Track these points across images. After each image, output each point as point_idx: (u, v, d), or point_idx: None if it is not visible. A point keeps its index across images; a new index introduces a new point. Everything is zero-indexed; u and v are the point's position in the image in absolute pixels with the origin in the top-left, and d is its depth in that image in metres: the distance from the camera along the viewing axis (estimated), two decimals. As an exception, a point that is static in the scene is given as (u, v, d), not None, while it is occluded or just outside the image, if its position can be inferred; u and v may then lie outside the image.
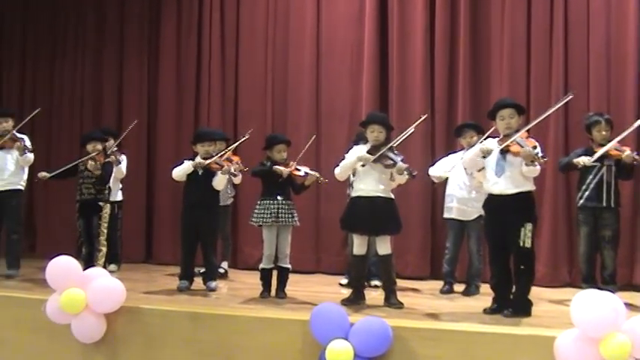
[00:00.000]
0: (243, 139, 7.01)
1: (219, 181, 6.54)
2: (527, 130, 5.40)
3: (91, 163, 7.10)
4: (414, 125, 5.93)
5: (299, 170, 6.21)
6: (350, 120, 8.39)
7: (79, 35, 10.31)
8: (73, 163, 7.23)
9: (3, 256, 7.35)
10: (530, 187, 5.29)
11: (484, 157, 5.36)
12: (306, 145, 6.51)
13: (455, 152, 7.04)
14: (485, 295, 5.92)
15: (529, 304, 5.27)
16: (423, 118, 6.06)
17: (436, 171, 6.96)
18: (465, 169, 6.16)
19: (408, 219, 6.99)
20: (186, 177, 6.55)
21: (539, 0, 7.71)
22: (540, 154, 5.15)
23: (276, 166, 6.17)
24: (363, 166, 5.71)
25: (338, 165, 5.94)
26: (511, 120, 5.36)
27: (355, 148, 6.01)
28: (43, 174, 7.18)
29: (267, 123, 8.85)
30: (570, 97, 5.58)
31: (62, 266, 5.28)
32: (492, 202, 5.37)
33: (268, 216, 6.13)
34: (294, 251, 6.53)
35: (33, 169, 7.62)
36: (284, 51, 8.94)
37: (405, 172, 5.60)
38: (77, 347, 5.29)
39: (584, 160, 6.07)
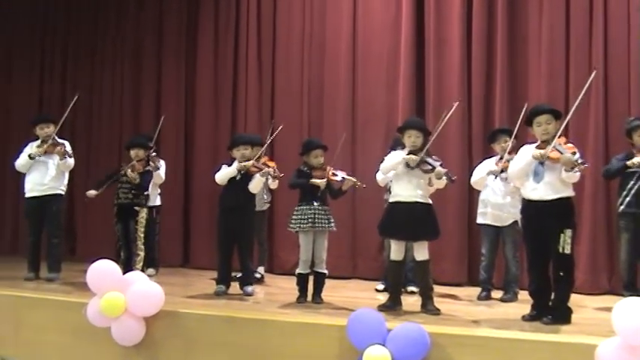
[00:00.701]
0: (276, 131, 7.04)
1: (256, 184, 6.57)
2: (566, 136, 5.34)
3: (130, 172, 7.18)
4: (449, 114, 5.88)
5: (336, 175, 6.22)
6: (386, 125, 8.38)
7: (118, 41, 10.46)
8: (112, 173, 7.34)
9: (44, 259, 7.45)
10: (569, 192, 5.23)
11: (541, 163, 5.26)
12: (339, 145, 6.50)
13: (489, 158, 6.95)
14: (524, 302, 5.85)
15: (569, 311, 5.21)
16: (455, 105, 6.01)
17: (474, 178, 6.88)
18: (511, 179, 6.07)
19: (445, 225, 6.94)
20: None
21: (577, -1, 7.63)
22: (580, 160, 5.08)
23: (313, 180, 6.19)
24: (408, 166, 5.68)
25: (377, 170, 5.93)
26: (548, 126, 5.30)
27: (393, 153, 6.00)
28: (91, 192, 7.29)
29: (303, 128, 8.87)
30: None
31: (102, 270, 5.34)
32: (531, 208, 5.31)
33: (305, 221, 6.14)
34: (331, 257, 6.53)
35: (73, 174, 7.77)
36: (320, 57, 8.97)
37: (444, 177, 5.58)
38: (117, 350, 5.34)
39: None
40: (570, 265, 5.20)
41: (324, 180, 6.16)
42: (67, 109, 7.60)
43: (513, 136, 6.48)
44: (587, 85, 5.28)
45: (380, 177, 6.06)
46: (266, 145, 6.97)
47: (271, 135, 7.15)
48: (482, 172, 6.76)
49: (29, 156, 7.37)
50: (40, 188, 7.35)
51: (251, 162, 6.53)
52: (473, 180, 6.87)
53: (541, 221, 5.19)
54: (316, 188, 6.17)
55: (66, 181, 7.55)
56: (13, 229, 10.84)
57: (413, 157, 5.68)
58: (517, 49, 7.92)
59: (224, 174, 6.58)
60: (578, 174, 5.11)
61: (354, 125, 8.65)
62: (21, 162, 7.47)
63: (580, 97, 5.28)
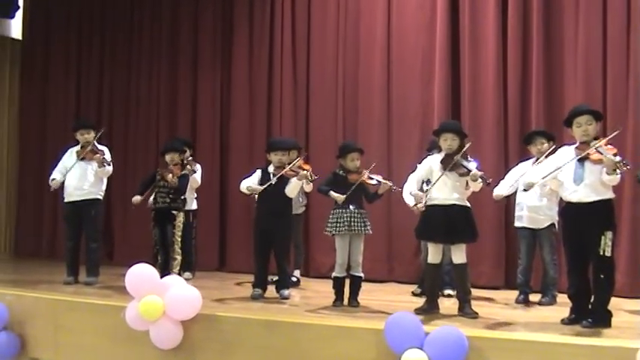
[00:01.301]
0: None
1: (293, 188, 6.59)
2: (604, 137, 5.27)
3: (169, 177, 7.24)
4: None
5: (372, 179, 6.21)
6: (421, 127, 8.35)
7: (154, 46, 10.57)
8: (150, 177, 7.43)
9: (83, 263, 7.54)
10: (609, 194, 5.15)
11: (581, 164, 5.16)
12: (372, 166, 6.46)
13: (525, 160, 6.87)
14: (562, 305, 5.79)
15: (609, 314, 5.13)
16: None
17: (508, 182, 6.79)
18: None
19: (482, 227, 6.84)
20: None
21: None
22: (624, 161, 4.99)
23: (332, 193, 6.20)
24: (444, 168, 5.67)
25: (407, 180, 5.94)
26: (588, 127, 5.23)
27: (429, 158, 5.99)
28: (137, 198, 7.37)
29: (338, 131, 8.88)
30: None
31: (141, 274, 5.39)
32: (571, 210, 5.25)
33: (341, 225, 6.13)
34: (367, 260, 6.52)
35: (111, 179, 7.87)
36: (355, 58, 8.96)
37: (480, 180, 5.55)
38: (155, 353, 5.37)
39: None
40: (611, 268, 5.13)
41: (343, 196, 6.14)
42: (94, 139, 7.63)
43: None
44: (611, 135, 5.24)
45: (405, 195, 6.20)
46: (300, 158, 6.96)
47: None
48: (512, 179, 6.69)
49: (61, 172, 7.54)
50: (79, 193, 7.45)
51: (285, 169, 6.54)
52: (497, 191, 6.73)
53: (581, 223, 5.12)
54: (351, 191, 6.16)
55: (104, 186, 7.64)
56: (51, 234, 11.01)
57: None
58: (553, 49, 7.82)
59: (244, 186, 6.65)
60: (619, 176, 5.03)
61: (389, 126, 8.63)
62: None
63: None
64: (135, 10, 10.82)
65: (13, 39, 11.75)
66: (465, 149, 5.69)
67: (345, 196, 6.14)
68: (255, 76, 9.66)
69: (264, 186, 6.52)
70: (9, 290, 6.37)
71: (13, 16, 11.59)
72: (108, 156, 7.52)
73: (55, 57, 11.41)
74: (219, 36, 10.01)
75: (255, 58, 9.69)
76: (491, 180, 5.69)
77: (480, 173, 5.55)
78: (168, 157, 7.43)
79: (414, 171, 6.29)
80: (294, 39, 9.40)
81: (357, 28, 8.97)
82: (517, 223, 6.77)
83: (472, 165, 5.64)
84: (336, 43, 9.09)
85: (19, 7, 11.60)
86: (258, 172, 6.70)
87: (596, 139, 5.21)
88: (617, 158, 4.98)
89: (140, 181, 7.82)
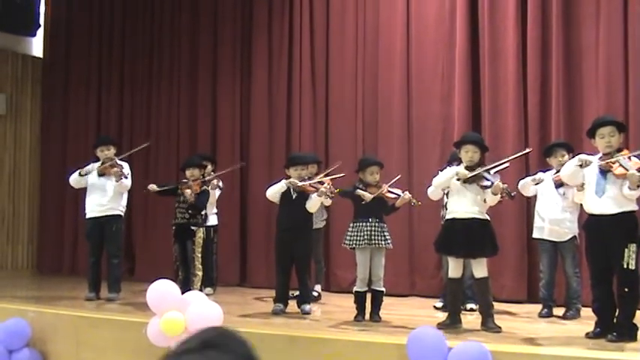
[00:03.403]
0: (336, 174, 7.00)
1: (314, 204, 6.59)
2: (627, 148, 5.23)
3: (187, 191, 7.26)
4: (516, 156, 5.84)
5: (392, 193, 6.19)
6: (442, 140, 8.32)
7: (174, 61, 10.60)
8: (173, 186, 7.52)
9: (104, 279, 7.56)
10: (633, 206, 5.11)
11: (580, 166, 5.18)
12: (393, 180, 6.45)
13: (544, 171, 6.84)
14: (587, 319, 5.73)
15: (634, 328, 5.07)
16: (527, 151, 5.96)
17: (523, 184, 6.76)
18: (566, 183, 5.97)
19: (503, 240, 6.83)
20: (279, 200, 6.62)
21: (635, 6, 7.42)
22: None
23: (359, 190, 6.17)
24: (459, 180, 5.63)
25: (431, 185, 5.90)
26: (612, 138, 5.18)
27: (449, 169, 5.96)
28: (152, 186, 7.40)
29: (357, 145, 8.87)
30: None
31: (162, 290, 5.39)
32: (593, 223, 5.21)
33: (361, 238, 6.12)
34: (388, 274, 6.49)
35: (131, 195, 7.90)
36: (374, 72, 8.95)
37: (504, 193, 5.51)
38: (177, 370, 5.37)
39: None
40: (635, 281, 5.08)
41: (371, 195, 6.12)
42: (133, 150, 7.77)
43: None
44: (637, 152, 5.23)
45: (430, 190, 6.02)
46: (324, 174, 6.96)
47: (330, 171, 7.13)
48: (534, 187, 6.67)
49: (79, 173, 7.56)
50: (100, 209, 7.47)
51: (306, 182, 6.54)
52: (520, 185, 6.73)
53: (604, 236, 5.08)
54: (370, 204, 6.13)
55: (125, 202, 7.66)
56: (72, 250, 11.04)
57: (463, 171, 5.62)
58: (573, 61, 7.77)
59: (274, 189, 6.63)
60: (640, 191, 4.99)
61: (410, 140, 8.60)
62: (73, 177, 7.67)
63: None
64: (155, 25, 10.88)
65: (34, 57, 11.88)
66: (490, 166, 5.66)
67: (373, 195, 6.11)
68: (275, 89, 9.68)
69: (300, 183, 6.52)
70: (31, 307, 6.42)
71: (34, 35, 11.74)
72: (127, 170, 7.54)
73: (75, 74, 11.50)
74: (238, 49, 10.04)
75: (275, 71, 9.72)
76: (515, 193, 5.64)
77: (503, 186, 5.52)
78: (188, 173, 7.47)
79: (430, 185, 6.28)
80: (312, 53, 9.42)
81: (376, 42, 8.96)
82: (536, 234, 6.72)
83: (496, 178, 5.60)
84: (355, 57, 9.08)
85: (40, 26, 11.74)
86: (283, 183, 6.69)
87: (619, 150, 5.16)
88: (640, 173, 4.94)
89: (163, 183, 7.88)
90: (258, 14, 9.94)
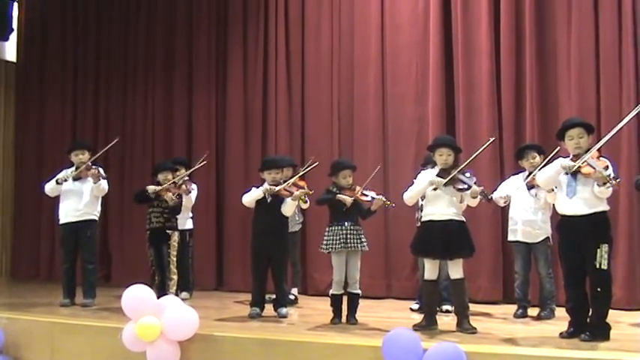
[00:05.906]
0: (311, 166, 7.00)
1: (289, 208, 6.58)
2: (599, 150, 5.29)
3: (169, 195, 7.24)
4: (482, 149, 5.87)
5: (366, 195, 6.21)
6: (416, 142, 8.35)
7: (149, 68, 10.56)
8: (158, 189, 7.36)
9: (79, 285, 7.50)
10: (604, 207, 5.16)
11: (566, 173, 5.22)
12: (372, 174, 6.51)
13: (516, 174, 6.89)
14: (561, 319, 5.78)
15: (607, 327, 5.12)
16: (490, 140, 5.97)
17: (499, 193, 6.77)
18: (539, 186, 6.02)
19: (479, 242, 6.85)
20: (255, 204, 6.61)
21: (606, 9, 7.51)
22: (612, 175, 5.01)
23: (340, 195, 6.19)
24: (435, 189, 5.66)
25: (407, 189, 5.91)
26: (580, 139, 5.24)
27: (424, 172, 5.99)
28: (151, 187, 7.34)
29: (333, 148, 8.89)
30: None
31: (137, 295, 5.38)
32: (566, 224, 5.26)
33: (337, 242, 6.13)
34: (364, 277, 6.51)
35: (107, 200, 7.85)
36: (349, 76, 8.98)
37: (480, 196, 5.55)
38: (153, 375, 5.36)
39: None
40: (607, 281, 5.14)
41: (351, 199, 6.14)
42: (105, 148, 7.77)
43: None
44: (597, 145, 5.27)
45: (406, 197, 6.04)
46: (298, 175, 6.96)
47: (305, 169, 7.12)
48: (508, 189, 6.69)
49: (56, 181, 7.47)
50: (75, 214, 7.40)
51: (281, 186, 6.54)
52: (496, 195, 6.74)
53: (576, 237, 5.13)
54: (346, 208, 6.16)
55: (99, 207, 7.60)
56: (48, 256, 10.94)
57: (438, 179, 5.65)
58: (546, 63, 7.86)
59: (250, 197, 6.61)
60: (610, 189, 5.04)
61: (385, 142, 8.63)
62: (49, 186, 7.57)
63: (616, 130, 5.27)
64: (130, 33, 10.82)
65: (7, 61, 11.77)
66: (462, 166, 5.69)
67: (352, 198, 6.13)
68: (250, 92, 9.67)
69: (276, 188, 6.50)
70: (5, 313, 6.35)
71: (7, 39, 11.61)
72: (103, 172, 7.48)
73: (50, 79, 11.41)
74: (213, 53, 10.02)
75: (250, 74, 9.70)
76: (492, 196, 5.68)
77: (480, 189, 5.56)
78: (161, 177, 7.43)
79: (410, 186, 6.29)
80: (288, 56, 9.42)
81: (351, 44, 8.99)
82: (511, 237, 6.78)
83: (472, 181, 5.63)
84: (330, 60, 9.11)
85: (13, 30, 11.61)
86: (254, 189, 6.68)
87: (588, 151, 5.21)
88: (608, 172, 5.00)
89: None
90: (233, 18, 9.93)
